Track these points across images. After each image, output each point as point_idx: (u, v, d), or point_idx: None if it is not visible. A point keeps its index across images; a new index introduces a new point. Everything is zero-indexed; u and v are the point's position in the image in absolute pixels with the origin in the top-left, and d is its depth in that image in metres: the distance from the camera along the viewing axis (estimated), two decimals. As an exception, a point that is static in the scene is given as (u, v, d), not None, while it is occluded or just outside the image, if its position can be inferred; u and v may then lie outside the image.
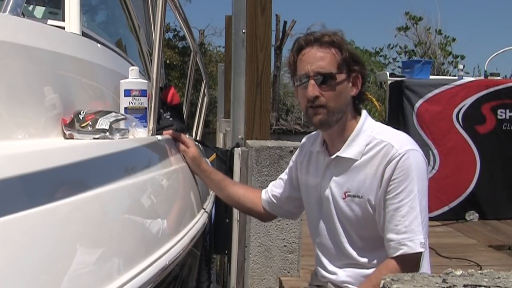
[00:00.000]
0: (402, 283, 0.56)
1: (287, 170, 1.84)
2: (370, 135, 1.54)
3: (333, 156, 1.59)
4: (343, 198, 1.56)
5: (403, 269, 1.43)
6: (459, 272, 0.60)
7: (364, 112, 1.61)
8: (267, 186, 1.99)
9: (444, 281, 0.56)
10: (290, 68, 1.62)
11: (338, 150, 1.57)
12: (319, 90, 1.51)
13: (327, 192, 1.60)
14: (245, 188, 2.04)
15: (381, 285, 0.58)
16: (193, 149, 1.90)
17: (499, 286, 0.53)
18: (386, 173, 1.47)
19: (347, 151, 1.55)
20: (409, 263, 1.46)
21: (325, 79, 1.51)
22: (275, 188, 1.84)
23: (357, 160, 1.53)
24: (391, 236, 1.46)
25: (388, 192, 1.47)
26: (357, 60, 1.56)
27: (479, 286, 0.53)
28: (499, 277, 0.57)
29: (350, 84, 1.55)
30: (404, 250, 1.44)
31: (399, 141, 1.50)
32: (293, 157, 1.82)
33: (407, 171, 1.45)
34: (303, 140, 1.81)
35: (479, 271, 0.61)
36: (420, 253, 1.46)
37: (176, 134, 1.90)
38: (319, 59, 1.52)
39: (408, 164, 1.46)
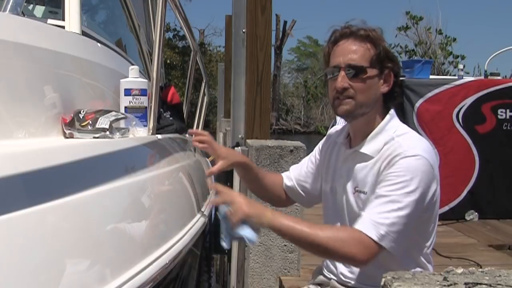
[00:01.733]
0: (403, 281, 0.56)
1: (311, 158, 1.80)
2: (391, 135, 1.53)
3: (352, 150, 1.59)
4: (353, 193, 1.57)
5: (355, 246, 1.38)
6: (460, 270, 0.60)
7: (392, 112, 1.60)
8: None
9: (445, 279, 0.56)
10: (324, 59, 1.62)
11: (358, 145, 1.57)
12: (348, 82, 1.51)
13: (341, 184, 1.61)
14: (273, 177, 1.90)
15: (382, 284, 0.58)
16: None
17: (500, 284, 0.53)
18: (386, 168, 1.45)
19: (365, 147, 1.55)
20: (365, 248, 1.39)
21: (356, 72, 1.51)
22: (299, 176, 1.80)
23: (373, 157, 1.52)
24: (362, 214, 1.44)
25: (380, 182, 1.45)
26: (391, 58, 1.55)
27: (480, 284, 0.53)
28: (500, 275, 0.57)
29: (382, 81, 1.54)
30: (359, 226, 1.41)
31: (413, 144, 1.47)
32: (319, 145, 1.79)
33: (406, 170, 1.42)
34: (330, 130, 1.80)
35: (480, 270, 0.61)
36: (376, 245, 1.39)
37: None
38: (352, 52, 1.52)
39: (410, 165, 1.42)
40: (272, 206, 2.24)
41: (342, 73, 1.51)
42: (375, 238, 1.39)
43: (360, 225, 1.42)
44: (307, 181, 1.79)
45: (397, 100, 1.62)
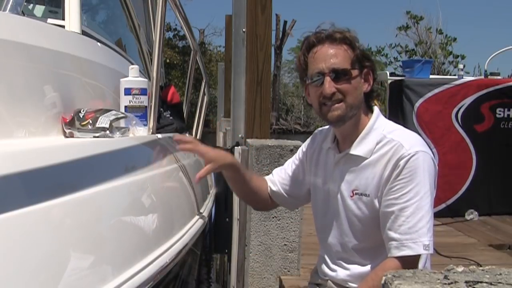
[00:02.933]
0: (403, 279, 0.55)
1: (295, 161, 1.79)
2: (381, 133, 1.53)
3: (343, 153, 1.58)
4: (351, 196, 1.55)
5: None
6: (460, 269, 0.59)
7: (376, 109, 1.59)
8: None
9: (445, 277, 0.56)
10: (300, 67, 1.58)
11: (349, 147, 1.56)
12: (335, 86, 1.50)
13: (335, 189, 1.59)
14: (259, 180, 1.85)
15: (383, 282, 0.58)
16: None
17: (501, 283, 0.53)
18: (394, 172, 1.46)
19: (357, 149, 1.54)
20: (409, 264, 1.43)
21: (341, 75, 1.50)
22: (283, 180, 1.78)
23: (366, 158, 1.52)
24: (393, 235, 1.45)
25: (394, 191, 1.45)
26: (367, 57, 1.56)
27: (481, 282, 0.53)
28: (500, 274, 0.57)
29: (363, 80, 1.54)
30: (406, 251, 1.43)
31: (410, 142, 1.48)
32: (303, 148, 1.78)
33: (415, 172, 1.44)
34: (315, 132, 1.78)
35: (481, 268, 0.61)
36: (420, 255, 1.45)
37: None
38: (332, 56, 1.51)
39: (417, 165, 1.44)
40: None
41: (328, 78, 1.50)
42: (423, 252, 1.44)
43: (402, 251, 1.44)
44: (292, 185, 1.77)
45: (377, 98, 1.63)
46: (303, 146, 1.79)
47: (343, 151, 1.58)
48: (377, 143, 1.51)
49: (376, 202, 1.51)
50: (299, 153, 1.79)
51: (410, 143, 1.47)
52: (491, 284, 0.53)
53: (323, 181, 1.65)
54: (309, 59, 1.55)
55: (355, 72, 1.51)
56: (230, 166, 1.68)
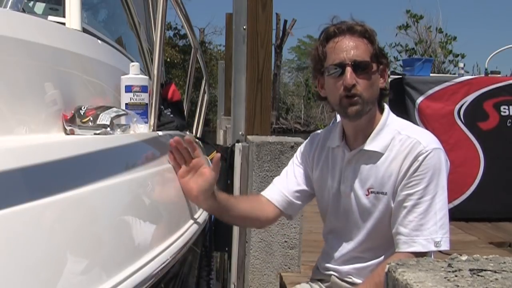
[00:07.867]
0: (407, 267, 0.56)
1: (293, 167, 1.73)
2: (395, 129, 1.52)
3: (356, 150, 1.55)
4: (366, 195, 1.53)
5: None
6: (464, 257, 0.60)
7: (386, 107, 1.59)
8: (268, 181, 1.96)
9: (449, 265, 0.56)
10: (316, 58, 1.55)
11: (362, 144, 1.54)
12: (356, 78, 1.47)
13: (348, 188, 1.56)
14: (250, 201, 1.80)
15: (386, 270, 0.58)
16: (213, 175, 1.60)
17: (505, 271, 0.53)
18: (411, 168, 1.45)
19: (372, 145, 1.52)
20: None
21: (362, 68, 1.48)
22: (288, 186, 1.70)
23: (382, 154, 1.50)
24: (403, 230, 1.44)
25: (409, 187, 1.45)
26: (384, 53, 1.56)
27: (485, 270, 0.53)
28: (504, 262, 0.57)
29: (379, 75, 1.54)
30: (416, 248, 1.42)
31: (426, 139, 1.49)
32: (301, 150, 1.73)
33: (432, 169, 1.44)
34: (311, 135, 1.76)
35: (485, 257, 0.61)
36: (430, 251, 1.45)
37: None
38: (354, 47, 1.49)
39: (433, 162, 1.44)
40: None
41: (349, 69, 1.46)
42: (434, 249, 1.43)
43: (412, 247, 1.43)
44: (302, 191, 1.71)
45: (388, 96, 1.63)
46: (301, 149, 1.75)
47: (355, 148, 1.56)
48: (392, 139, 1.51)
49: (392, 199, 1.50)
50: (297, 157, 1.75)
51: (427, 141, 1.48)
52: (495, 272, 0.53)
53: (332, 180, 1.62)
54: (328, 49, 1.52)
55: (374, 67, 1.51)
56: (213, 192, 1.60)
